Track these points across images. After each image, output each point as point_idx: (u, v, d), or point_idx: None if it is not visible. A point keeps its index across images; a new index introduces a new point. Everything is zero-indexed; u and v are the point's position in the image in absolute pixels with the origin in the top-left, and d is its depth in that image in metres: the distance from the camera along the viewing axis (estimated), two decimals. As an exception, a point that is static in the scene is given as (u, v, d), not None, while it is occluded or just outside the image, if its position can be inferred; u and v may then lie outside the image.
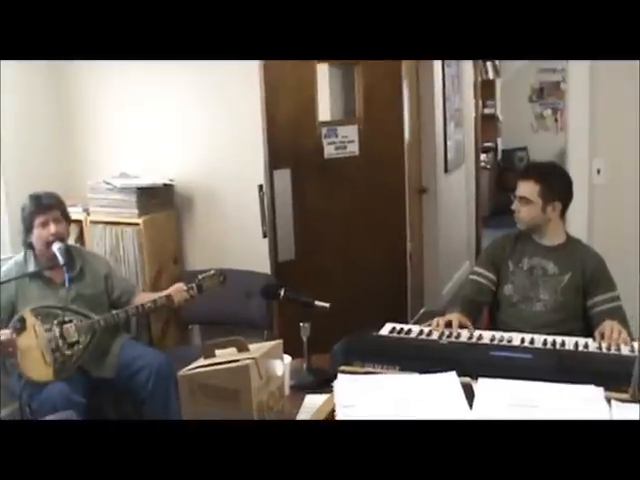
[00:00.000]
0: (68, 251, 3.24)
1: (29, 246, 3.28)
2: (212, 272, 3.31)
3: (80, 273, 3.31)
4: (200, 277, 3.29)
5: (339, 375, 2.08)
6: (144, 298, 3.38)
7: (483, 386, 1.94)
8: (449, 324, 2.64)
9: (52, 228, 3.19)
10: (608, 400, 1.87)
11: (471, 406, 1.86)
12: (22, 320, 3.11)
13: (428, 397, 1.91)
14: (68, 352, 3.12)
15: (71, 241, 3.73)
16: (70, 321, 3.15)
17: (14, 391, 3.20)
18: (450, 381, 1.98)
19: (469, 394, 1.91)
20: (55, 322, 3.12)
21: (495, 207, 8.78)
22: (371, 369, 2.24)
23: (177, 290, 3.27)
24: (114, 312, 3.26)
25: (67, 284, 3.09)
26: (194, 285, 3.27)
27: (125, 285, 3.54)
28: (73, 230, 3.99)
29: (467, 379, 1.99)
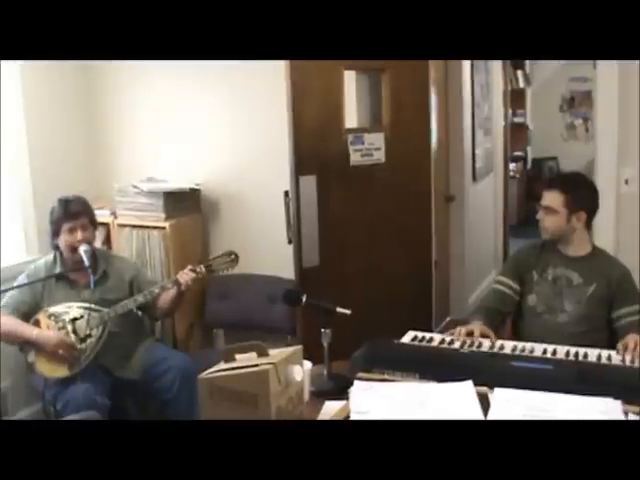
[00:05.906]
0: (93, 254, 3.28)
1: (57, 247, 3.32)
2: (221, 253, 3.30)
3: (103, 276, 3.34)
4: (210, 258, 3.29)
5: (355, 382, 2.09)
6: (165, 297, 3.38)
7: (499, 396, 1.94)
8: (471, 333, 2.63)
9: (79, 235, 3.22)
10: (625, 413, 1.85)
11: (486, 416, 1.85)
12: (37, 322, 3.19)
13: (443, 405, 1.91)
14: (81, 346, 3.16)
15: (98, 244, 3.78)
16: (81, 317, 3.19)
17: (39, 390, 3.25)
18: (466, 390, 1.98)
19: (485, 404, 1.91)
20: (67, 319, 3.17)
21: (523, 216, 8.72)
22: (390, 376, 2.23)
23: (183, 272, 3.25)
24: (123, 302, 3.24)
25: (92, 286, 3.14)
26: (202, 265, 3.26)
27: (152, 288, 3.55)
28: (100, 232, 4.05)
29: (484, 389, 1.99)
